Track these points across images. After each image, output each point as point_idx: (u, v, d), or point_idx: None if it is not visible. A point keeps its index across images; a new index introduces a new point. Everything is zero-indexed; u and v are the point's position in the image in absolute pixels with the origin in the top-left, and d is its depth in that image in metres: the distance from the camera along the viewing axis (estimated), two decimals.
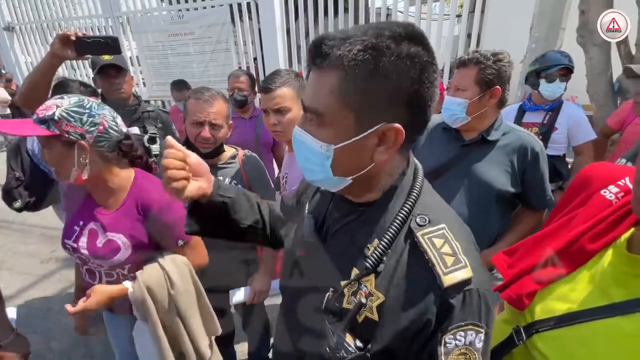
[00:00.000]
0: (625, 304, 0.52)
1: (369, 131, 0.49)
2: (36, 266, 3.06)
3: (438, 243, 0.50)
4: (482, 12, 4.18)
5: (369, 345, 0.52)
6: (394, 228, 0.52)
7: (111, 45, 1.30)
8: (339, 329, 0.53)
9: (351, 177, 0.53)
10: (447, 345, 0.49)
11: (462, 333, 0.49)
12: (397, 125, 0.49)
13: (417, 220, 0.52)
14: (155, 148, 1.78)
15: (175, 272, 1.04)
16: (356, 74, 0.46)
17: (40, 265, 3.08)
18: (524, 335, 0.63)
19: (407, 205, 0.54)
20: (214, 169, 1.33)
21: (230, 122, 1.34)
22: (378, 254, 0.52)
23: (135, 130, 1.78)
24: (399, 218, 0.53)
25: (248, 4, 5.13)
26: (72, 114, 0.92)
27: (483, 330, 0.50)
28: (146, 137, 1.76)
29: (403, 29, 0.47)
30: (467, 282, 0.49)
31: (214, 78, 5.62)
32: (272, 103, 1.22)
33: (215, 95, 1.27)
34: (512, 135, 1.30)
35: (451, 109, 1.30)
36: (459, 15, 4.49)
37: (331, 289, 0.56)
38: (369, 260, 0.52)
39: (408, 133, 0.50)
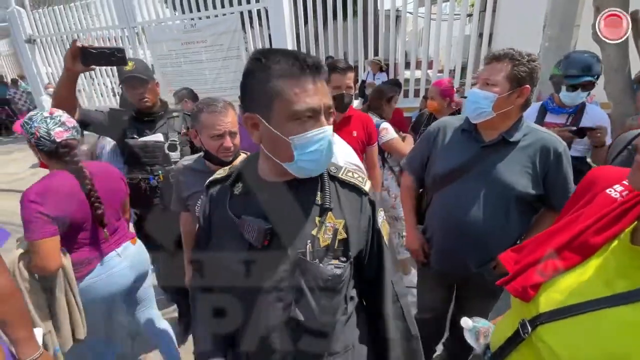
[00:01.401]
0: (629, 293, 0.53)
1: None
2: None
3: (349, 174, 0.82)
4: (494, 11, 4.14)
5: (350, 254, 0.78)
6: (325, 180, 0.78)
7: (117, 56, 1.32)
8: (328, 260, 0.75)
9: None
10: (380, 221, 0.85)
11: (381, 212, 0.86)
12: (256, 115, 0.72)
13: (332, 169, 0.81)
14: (174, 155, 1.82)
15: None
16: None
17: None
18: (529, 327, 0.64)
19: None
20: None
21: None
22: (326, 198, 0.76)
23: (158, 137, 1.82)
24: (325, 174, 0.79)
25: (258, 10, 5.22)
26: (25, 123, 1.30)
27: (381, 208, 0.87)
28: (166, 145, 1.81)
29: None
30: (369, 187, 0.84)
31: (226, 85, 5.74)
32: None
33: (226, 105, 1.29)
34: (534, 136, 1.28)
35: (477, 102, 1.26)
36: (470, 15, 4.45)
37: (308, 241, 0.74)
38: (324, 205, 0.76)
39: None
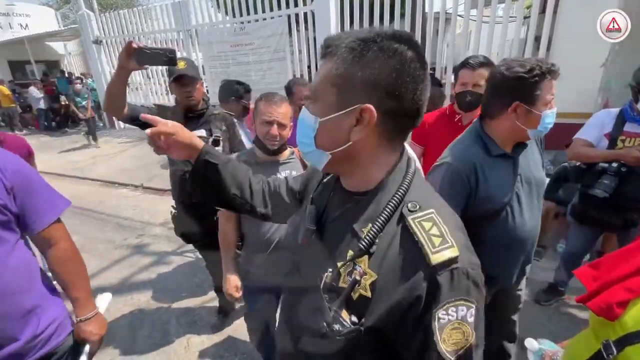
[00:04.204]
0: None
1: (348, 109, 0.56)
2: (110, 251, 3.42)
3: (427, 226, 0.54)
4: (555, 12, 3.87)
5: (363, 320, 0.57)
6: (386, 213, 0.57)
7: (168, 57, 1.37)
8: (336, 305, 0.58)
9: (330, 152, 0.60)
10: (441, 320, 0.51)
11: (454, 308, 0.51)
12: (369, 105, 0.54)
13: (409, 206, 0.57)
14: (218, 150, 1.91)
15: None
16: (344, 58, 0.55)
17: (114, 251, 3.44)
18: (614, 349, 0.59)
19: (399, 193, 0.59)
20: (278, 165, 1.44)
21: (291, 123, 1.44)
22: (371, 236, 0.57)
23: (202, 132, 1.90)
24: (391, 204, 0.58)
25: (305, 13, 5.32)
26: None
27: (474, 305, 0.52)
28: (210, 140, 1.89)
29: (392, 30, 0.56)
30: (453, 260, 0.52)
31: (270, 86, 5.89)
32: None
33: (283, 99, 1.40)
34: None
35: (552, 121, 1.15)
36: (527, 17, 4.20)
37: (329, 270, 0.61)
38: (362, 242, 0.57)
39: (386, 120, 0.56)
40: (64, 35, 11.91)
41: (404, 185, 0.59)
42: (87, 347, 1.08)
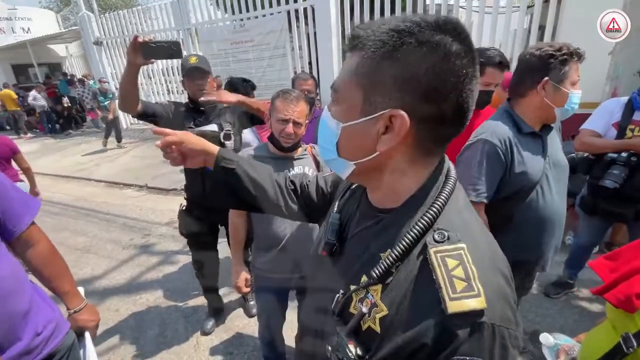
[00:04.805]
0: None
1: (374, 115, 0.47)
2: (118, 252, 3.45)
3: (451, 264, 0.44)
4: (559, 1, 3.80)
5: (368, 356, 0.50)
6: (407, 240, 0.48)
7: (173, 49, 1.39)
8: (344, 332, 0.52)
9: (354, 162, 0.52)
10: None
11: None
12: (401, 111, 0.45)
13: (435, 235, 0.47)
14: (229, 144, 1.92)
15: None
16: (373, 53, 0.46)
17: (121, 251, 3.46)
18: (634, 342, 0.58)
19: (427, 217, 0.49)
20: (292, 160, 1.44)
21: (307, 121, 1.43)
22: (387, 264, 0.48)
23: (213, 127, 1.93)
24: (415, 230, 0.48)
25: (305, 9, 5.28)
26: None
27: None
28: (222, 134, 1.91)
29: (434, 18, 0.45)
30: (478, 313, 0.42)
31: (271, 83, 5.88)
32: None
33: (299, 96, 1.38)
34: None
35: (578, 103, 1.22)
36: (530, 6, 4.14)
37: (341, 291, 0.55)
38: (376, 270, 0.49)
39: (421, 130, 0.47)
40: (65, 37, 11.96)
41: (435, 207, 0.49)
42: (87, 334, 1.12)
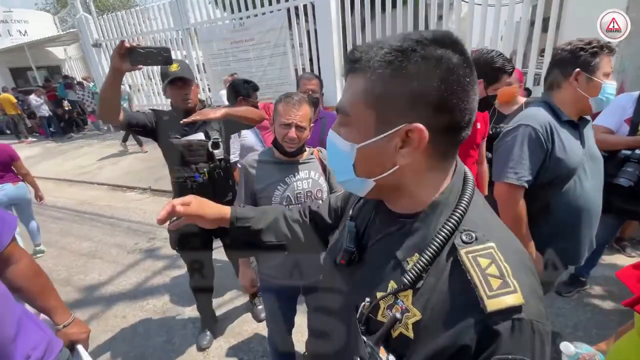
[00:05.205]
0: None
1: (391, 131, 0.49)
2: (123, 256, 3.44)
3: (483, 263, 0.45)
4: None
5: None
6: (437, 243, 0.49)
7: (163, 55, 1.33)
8: (372, 341, 0.51)
9: (374, 179, 0.53)
10: None
11: None
12: (419, 125, 0.47)
13: (463, 237, 0.48)
14: (218, 153, 1.85)
15: None
16: (380, 74, 0.48)
17: (127, 255, 3.45)
18: None
19: (453, 220, 0.50)
20: (297, 165, 1.41)
21: (312, 124, 1.39)
22: (417, 269, 0.49)
23: (200, 136, 1.85)
24: (443, 233, 0.49)
25: (305, 6, 5.21)
26: None
27: None
28: (210, 143, 1.84)
29: (431, 33, 0.48)
30: (516, 309, 0.42)
31: (272, 81, 5.83)
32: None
33: (302, 100, 1.34)
34: None
35: (613, 94, 1.29)
36: None
37: (367, 299, 0.54)
38: (407, 276, 0.49)
39: (437, 138, 0.49)
40: (63, 39, 11.88)
41: (460, 209, 0.51)
42: (80, 347, 1.11)
